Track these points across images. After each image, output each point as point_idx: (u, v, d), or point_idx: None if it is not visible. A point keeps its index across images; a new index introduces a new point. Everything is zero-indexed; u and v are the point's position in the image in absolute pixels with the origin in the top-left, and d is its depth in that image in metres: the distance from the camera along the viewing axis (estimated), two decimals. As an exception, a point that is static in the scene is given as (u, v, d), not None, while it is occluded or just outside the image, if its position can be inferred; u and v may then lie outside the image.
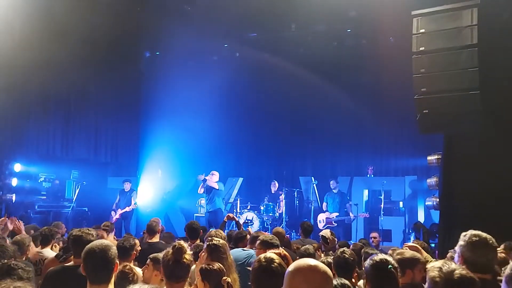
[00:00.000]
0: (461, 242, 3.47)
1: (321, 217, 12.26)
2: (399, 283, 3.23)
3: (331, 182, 12.44)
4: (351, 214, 12.08)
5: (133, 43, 13.74)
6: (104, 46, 11.94)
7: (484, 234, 3.44)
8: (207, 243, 4.10)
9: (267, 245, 4.71)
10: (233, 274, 3.84)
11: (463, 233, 3.51)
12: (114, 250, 3.06)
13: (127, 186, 12.83)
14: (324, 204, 12.42)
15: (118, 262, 3.11)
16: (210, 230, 6.05)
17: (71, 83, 11.96)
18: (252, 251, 5.22)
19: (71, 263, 4.00)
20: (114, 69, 12.85)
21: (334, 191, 12.36)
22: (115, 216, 12.44)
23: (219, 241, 4.10)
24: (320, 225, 11.93)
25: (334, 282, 3.51)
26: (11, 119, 10.86)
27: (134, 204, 12.69)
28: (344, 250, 4.30)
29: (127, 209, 12.50)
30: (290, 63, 13.14)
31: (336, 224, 11.83)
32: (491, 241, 3.41)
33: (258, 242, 4.90)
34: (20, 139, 11.72)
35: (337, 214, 12.03)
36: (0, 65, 9.66)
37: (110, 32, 11.47)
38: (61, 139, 13.00)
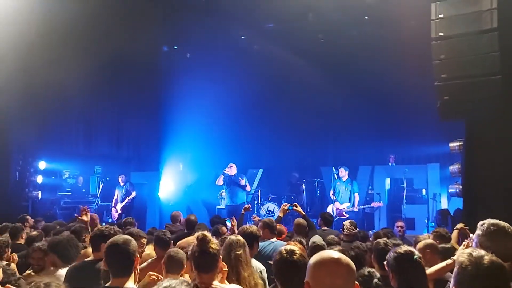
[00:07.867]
0: (478, 232, 3.35)
1: (331, 208, 11.65)
2: (426, 274, 3.17)
3: (340, 170, 11.83)
4: (356, 207, 11.55)
5: (151, 37, 13.79)
6: (122, 42, 12.02)
7: (502, 223, 3.32)
8: (220, 237, 4.08)
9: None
10: (245, 272, 3.67)
11: (481, 222, 3.39)
12: (134, 243, 3.07)
13: (122, 179, 12.69)
14: (331, 191, 11.91)
15: (138, 255, 3.13)
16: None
17: (91, 80, 12.07)
18: (278, 242, 5.27)
19: (91, 257, 4.13)
20: (133, 64, 12.93)
21: (343, 179, 11.77)
22: (117, 212, 12.30)
23: (230, 237, 4.03)
24: None
25: (366, 270, 3.51)
26: (34, 118, 11.02)
27: (133, 192, 12.52)
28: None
29: (127, 200, 12.38)
30: (308, 52, 13.06)
31: (347, 216, 11.13)
32: (510, 230, 3.29)
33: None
34: (44, 137, 11.91)
35: (348, 204, 11.53)
36: (21, 65, 9.84)
37: (128, 27, 11.55)
38: (84, 135, 13.22)
